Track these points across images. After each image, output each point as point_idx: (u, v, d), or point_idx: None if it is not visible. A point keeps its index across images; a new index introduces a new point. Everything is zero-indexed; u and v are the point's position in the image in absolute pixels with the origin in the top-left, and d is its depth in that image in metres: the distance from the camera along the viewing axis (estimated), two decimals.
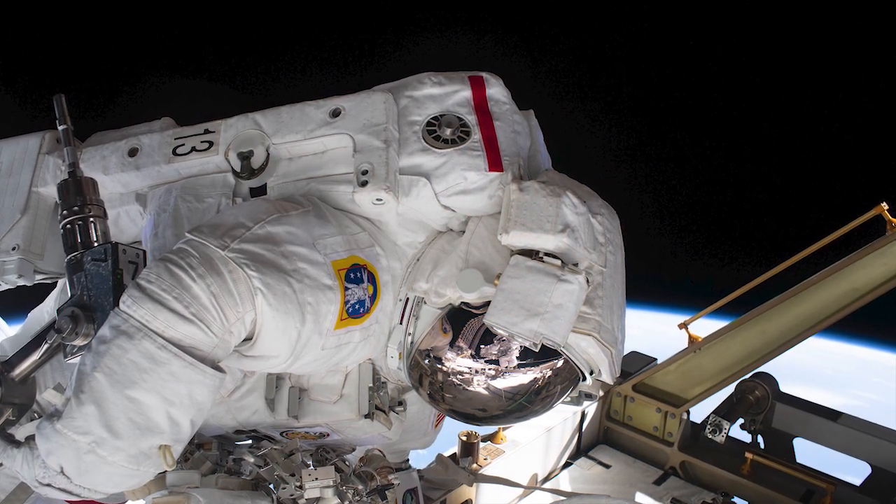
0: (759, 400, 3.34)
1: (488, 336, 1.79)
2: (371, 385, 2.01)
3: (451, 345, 1.83)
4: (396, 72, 2.00)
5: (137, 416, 1.35)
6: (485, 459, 2.97)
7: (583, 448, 3.58)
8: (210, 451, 1.94)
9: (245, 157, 1.90)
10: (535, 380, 1.83)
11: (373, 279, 1.84)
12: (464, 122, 1.85)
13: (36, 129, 2.21)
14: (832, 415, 3.32)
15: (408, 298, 1.93)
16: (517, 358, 1.79)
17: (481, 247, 1.83)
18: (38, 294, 2.30)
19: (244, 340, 1.58)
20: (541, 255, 1.65)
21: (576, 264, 1.69)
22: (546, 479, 3.34)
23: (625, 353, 2.30)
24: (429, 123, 1.86)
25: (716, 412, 3.16)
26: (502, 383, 1.83)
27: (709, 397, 3.38)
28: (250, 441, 2.15)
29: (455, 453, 2.96)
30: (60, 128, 1.81)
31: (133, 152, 2.02)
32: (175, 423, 1.41)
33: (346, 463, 2.00)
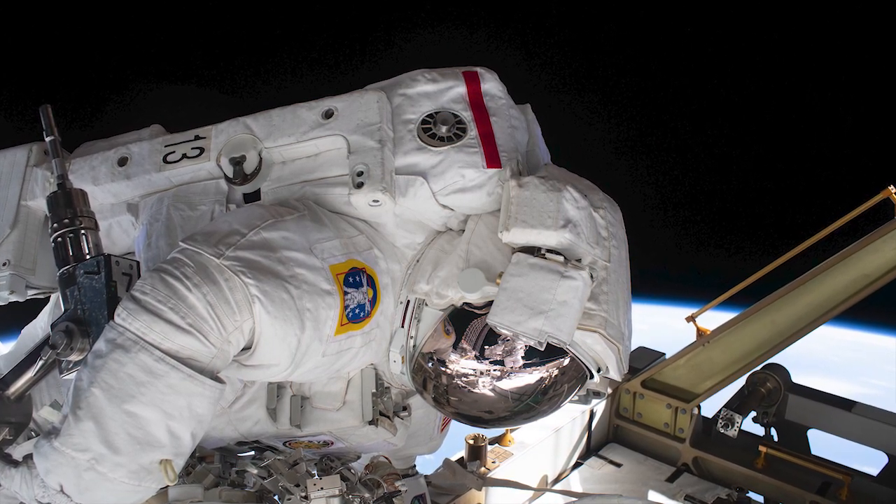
0: (771, 392, 3.29)
1: (492, 336, 1.76)
2: (374, 391, 1.99)
3: (455, 347, 1.81)
4: (389, 70, 1.97)
5: (137, 430, 1.34)
6: (493, 462, 2.94)
7: (593, 447, 3.54)
8: (212, 464, 1.93)
9: (237, 162, 1.88)
10: (542, 379, 1.80)
11: (372, 282, 1.81)
12: (459, 118, 1.83)
13: (22, 142, 2.19)
14: (846, 404, 3.26)
15: (409, 301, 1.91)
16: (522, 358, 1.77)
17: (482, 245, 1.80)
18: (30, 310, 2.30)
19: (243, 350, 1.57)
20: (543, 251, 1.63)
21: (579, 260, 1.66)
22: (556, 480, 3.31)
23: (632, 349, 2.27)
24: (424, 121, 1.84)
25: (727, 406, 3.11)
26: (508, 384, 1.81)
27: (720, 391, 3.34)
28: (253, 452, 2.13)
29: (462, 457, 2.93)
30: (48, 139, 1.81)
31: (123, 161, 2.00)
32: (175, 436, 1.39)
33: (352, 471, 1.98)
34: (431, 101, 1.86)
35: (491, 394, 1.82)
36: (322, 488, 1.71)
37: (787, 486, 3.04)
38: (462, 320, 1.80)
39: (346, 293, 1.69)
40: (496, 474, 2.88)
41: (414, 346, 1.88)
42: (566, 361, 1.78)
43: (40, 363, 1.65)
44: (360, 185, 1.72)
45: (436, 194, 1.79)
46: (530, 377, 1.79)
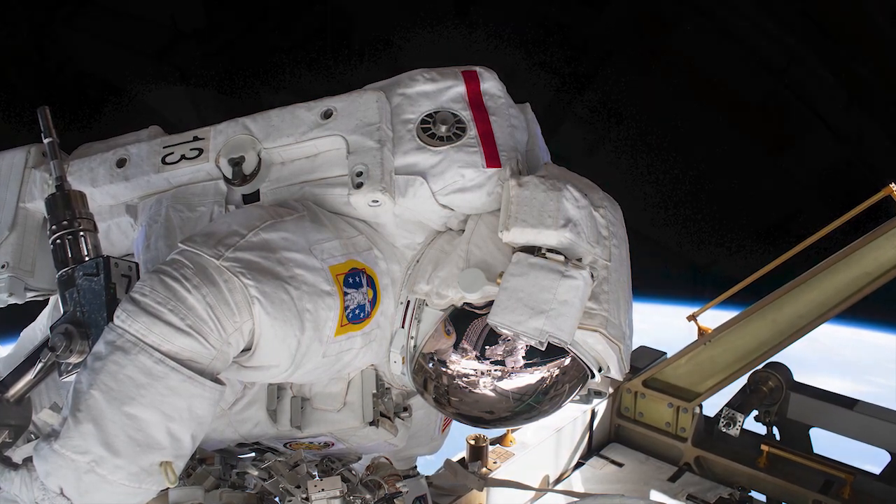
0: (772, 390, 3.28)
1: (493, 336, 1.76)
2: (375, 391, 1.99)
3: (456, 347, 1.80)
4: (389, 70, 1.97)
5: (136, 432, 1.34)
6: (494, 463, 2.93)
7: (594, 447, 3.52)
8: (212, 466, 1.92)
9: (236, 163, 1.88)
10: (543, 379, 1.80)
11: (372, 283, 1.80)
12: (459, 118, 1.83)
13: (21, 143, 2.19)
14: (848, 403, 3.25)
15: (409, 301, 1.90)
16: (523, 357, 1.77)
17: (482, 245, 1.80)
18: (29, 312, 2.29)
19: (243, 351, 1.56)
20: (543, 251, 1.62)
21: (579, 259, 1.65)
22: (558, 480, 3.30)
23: (633, 348, 2.26)
24: (423, 121, 1.83)
25: (729, 405, 3.11)
26: (509, 384, 1.80)
27: (721, 390, 3.33)
28: (253, 454, 2.13)
29: (464, 458, 2.92)
30: (46, 141, 1.80)
31: (121, 163, 2.00)
32: (175, 438, 1.39)
33: (353, 472, 1.97)
34: (430, 101, 1.86)
35: (492, 394, 1.82)
36: (323, 489, 1.71)
37: (790, 485, 3.03)
38: (462, 320, 1.79)
39: (345, 294, 1.69)
40: (497, 475, 2.87)
41: (414, 346, 1.87)
42: (567, 361, 1.77)
43: (40, 365, 1.65)
44: (359, 186, 1.72)
45: (435, 194, 1.79)
46: (531, 377, 1.79)
